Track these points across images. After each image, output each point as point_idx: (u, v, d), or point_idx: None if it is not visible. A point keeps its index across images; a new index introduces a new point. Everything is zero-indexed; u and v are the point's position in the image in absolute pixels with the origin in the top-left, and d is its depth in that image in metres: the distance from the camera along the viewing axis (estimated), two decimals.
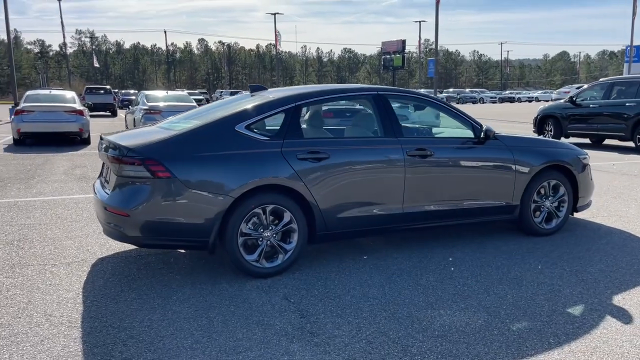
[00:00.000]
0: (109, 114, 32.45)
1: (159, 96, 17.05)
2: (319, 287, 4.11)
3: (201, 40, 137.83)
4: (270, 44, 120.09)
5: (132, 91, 48.91)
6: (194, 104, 15.87)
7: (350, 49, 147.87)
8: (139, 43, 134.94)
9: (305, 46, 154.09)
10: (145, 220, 3.98)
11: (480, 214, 5.18)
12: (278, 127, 4.42)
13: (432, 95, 5.59)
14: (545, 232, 5.51)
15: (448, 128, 5.68)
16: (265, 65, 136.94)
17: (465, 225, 5.32)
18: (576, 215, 5.99)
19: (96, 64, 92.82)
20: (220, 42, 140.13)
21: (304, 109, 4.82)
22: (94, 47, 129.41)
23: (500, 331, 3.37)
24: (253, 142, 4.24)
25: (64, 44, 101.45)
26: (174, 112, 14.15)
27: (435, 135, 5.72)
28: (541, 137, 8.27)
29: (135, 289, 4.04)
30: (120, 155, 4.05)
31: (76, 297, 3.92)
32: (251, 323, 3.46)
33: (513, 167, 5.23)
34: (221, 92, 59.91)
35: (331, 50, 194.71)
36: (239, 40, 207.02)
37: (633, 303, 3.83)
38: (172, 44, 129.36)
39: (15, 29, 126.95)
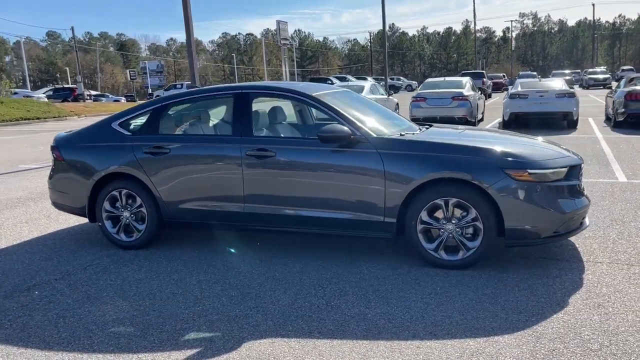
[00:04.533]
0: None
1: (435, 83, 17.40)
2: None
3: None
4: None
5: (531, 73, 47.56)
6: (465, 90, 15.56)
7: None
8: (585, 19, 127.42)
9: None
10: (53, 191, 5.53)
11: (339, 226, 4.53)
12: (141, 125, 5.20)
13: (308, 92, 4.91)
14: (446, 264, 4.29)
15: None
16: None
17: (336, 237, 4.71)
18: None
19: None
20: None
21: (175, 108, 5.31)
22: (535, 28, 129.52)
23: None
24: (119, 137, 5.18)
25: (510, 28, 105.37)
26: (439, 100, 14.63)
27: (292, 136, 5.08)
28: (478, 132, 5.62)
29: None
30: None
31: None
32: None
33: (382, 176, 4.33)
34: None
35: None
36: None
37: None
38: (619, 15, 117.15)
39: (466, 19, 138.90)
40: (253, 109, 4.85)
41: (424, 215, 4.30)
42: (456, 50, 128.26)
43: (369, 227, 4.46)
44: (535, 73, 49.89)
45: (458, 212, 4.24)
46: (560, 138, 12.36)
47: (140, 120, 5.23)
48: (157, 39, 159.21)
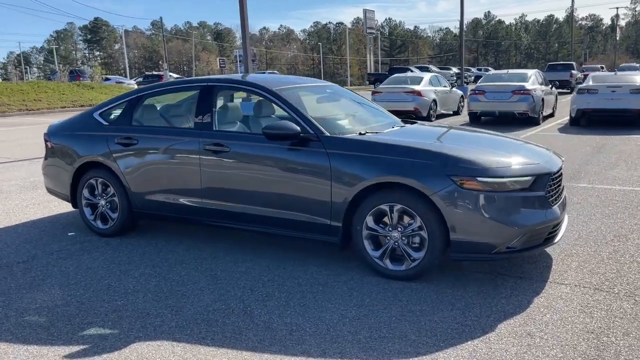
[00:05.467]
0: (568, 91, 31.20)
1: (497, 75, 16.44)
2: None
3: None
4: None
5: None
6: (529, 84, 14.56)
7: None
8: None
9: None
10: (45, 176, 5.78)
11: (293, 227, 4.36)
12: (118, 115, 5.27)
13: (267, 86, 4.67)
14: (391, 274, 4.00)
15: None
16: None
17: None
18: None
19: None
20: None
21: (149, 99, 5.30)
22: None
23: None
24: (98, 126, 5.30)
25: (617, 15, 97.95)
26: (498, 93, 13.93)
27: (247, 132, 4.84)
28: (461, 134, 5.02)
29: None
30: None
31: None
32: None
33: (328, 177, 4.10)
34: None
35: None
36: None
37: None
38: None
39: (570, 6, 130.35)
40: (220, 103, 4.77)
41: (369, 221, 4.03)
42: (557, 40, 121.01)
43: (316, 229, 4.25)
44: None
45: (404, 220, 3.93)
46: (630, 139, 11.31)
47: (117, 111, 5.31)
48: (251, 28, 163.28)
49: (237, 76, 5.21)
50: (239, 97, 5.23)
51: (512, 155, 4.05)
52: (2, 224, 5.84)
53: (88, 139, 5.28)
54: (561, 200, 4.15)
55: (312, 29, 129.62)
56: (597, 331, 3.17)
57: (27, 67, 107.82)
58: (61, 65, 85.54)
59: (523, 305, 3.54)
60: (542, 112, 14.78)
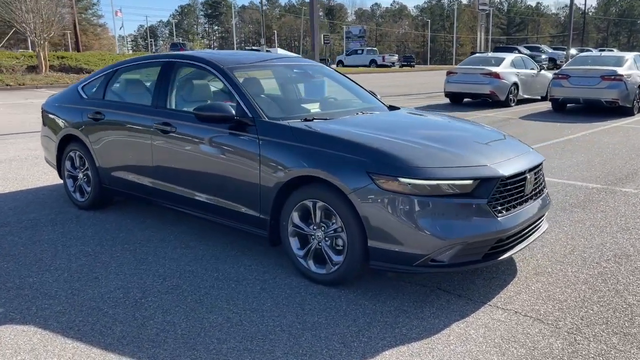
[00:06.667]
0: None
1: (588, 57, 14.70)
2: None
3: None
4: None
5: None
6: (623, 69, 12.88)
7: None
8: None
9: None
10: (42, 147, 5.94)
11: (229, 217, 4.08)
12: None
13: (220, 64, 4.29)
14: (314, 276, 3.61)
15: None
16: None
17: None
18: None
19: None
20: None
21: (122, 74, 5.16)
22: None
23: None
24: (79, 100, 5.31)
25: None
26: (584, 78, 12.70)
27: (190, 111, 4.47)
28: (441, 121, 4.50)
29: None
30: None
31: None
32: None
33: (257, 166, 3.76)
34: None
35: None
36: None
37: None
38: None
39: None
40: (178, 80, 4.57)
41: (295, 217, 3.65)
42: None
43: (247, 221, 3.95)
44: None
45: (330, 219, 3.51)
46: None
47: (94, 85, 5.28)
48: (363, 4, 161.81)
49: (199, 53, 4.95)
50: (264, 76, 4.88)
51: (459, 154, 3.45)
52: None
53: (70, 111, 5.32)
54: (523, 209, 3.49)
55: (426, 5, 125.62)
56: None
57: (153, 39, 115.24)
58: (181, 39, 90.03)
59: (434, 330, 3.02)
60: (636, 102, 13.06)
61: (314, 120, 3.95)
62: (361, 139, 3.52)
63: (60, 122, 5.38)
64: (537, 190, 3.75)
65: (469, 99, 16.01)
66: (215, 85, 4.65)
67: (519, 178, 3.45)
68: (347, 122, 4.00)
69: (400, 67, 53.92)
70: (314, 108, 4.62)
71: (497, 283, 3.62)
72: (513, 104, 15.10)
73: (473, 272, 3.77)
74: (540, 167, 3.83)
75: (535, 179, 3.70)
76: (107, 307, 3.30)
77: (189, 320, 3.14)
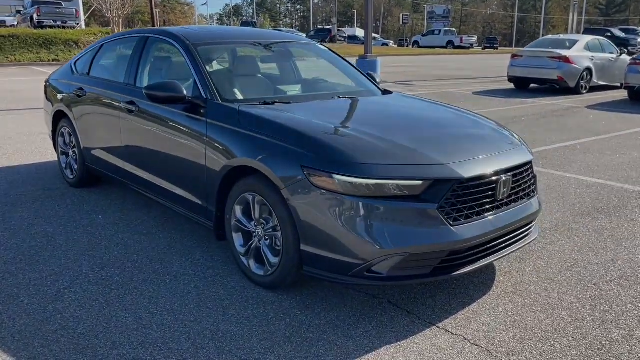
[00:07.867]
0: None
1: None
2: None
3: None
4: None
5: None
6: None
7: None
8: None
9: None
10: (46, 124, 5.93)
11: (182, 204, 3.79)
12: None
13: (186, 40, 3.90)
14: (254, 277, 3.26)
15: None
16: None
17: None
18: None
19: None
20: None
21: (107, 49, 4.93)
22: None
23: None
24: (70, 75, 5.20)
25: None
26: None
27: None
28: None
29: None
30: None
31: None
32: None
33: (204, 152, 3.44)
34: None
35: None
36: None
37: None
38: None
39: None
40: (150, 56, 4.30)
41: (237, 211, 3.30)
42: None
43: (195, 211, 3.65)
44: None
45: (271, 215, 3.13)
46: None
47: (83, 61, 5.13)
48: None
49: (173, 28, 4.63)
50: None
51: (414, 150, 2.94)
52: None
53: (62, 87, 5.23)
54: (494, 216, 2.95)
55: None
56: None
57: (235, 18, 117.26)
58: (261, 18, 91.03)
59: (356, 354, 2.59)
60: None
61: (275, 104, 3.56)
62: (307, 127, 3.09)
63: (54, 98, 5.31)
64: (521, 194, 3.17)
65: (535, 85, 14.81)
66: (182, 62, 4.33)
67: (485, 181, 2.90)
68: (308, 108, 3.58)
69: (483, 49, 51.52)
70: (293, 90, 4.22)
71: (460, 300, 3.11)
72: (585, 91, 13.81)
73: (437, 284, 3.27)
74: (527, 167, 3.23)
75: (517, 181, 3.13)
76: (24, 296, 3.12)
77: (97, 318, 2.89)
